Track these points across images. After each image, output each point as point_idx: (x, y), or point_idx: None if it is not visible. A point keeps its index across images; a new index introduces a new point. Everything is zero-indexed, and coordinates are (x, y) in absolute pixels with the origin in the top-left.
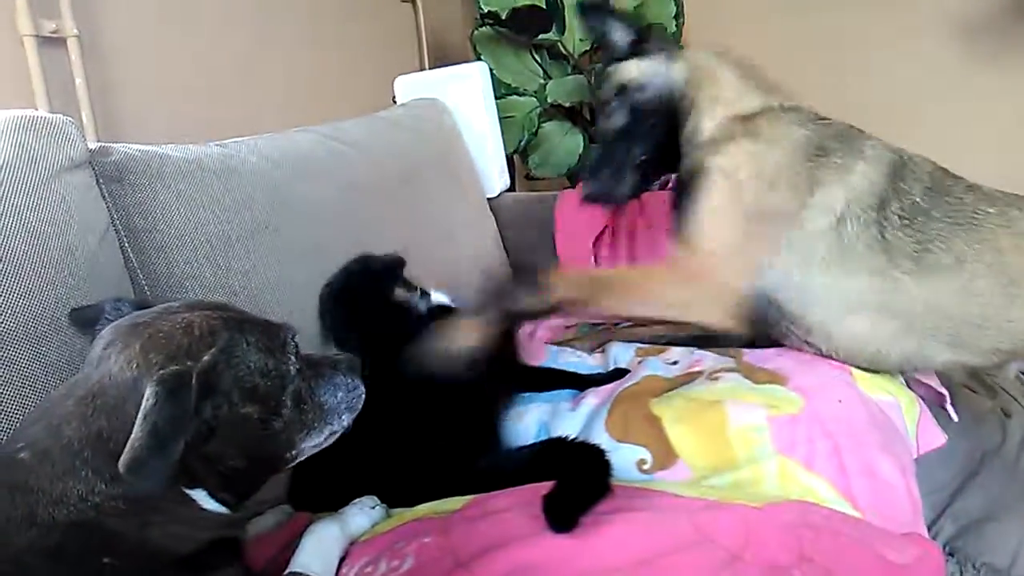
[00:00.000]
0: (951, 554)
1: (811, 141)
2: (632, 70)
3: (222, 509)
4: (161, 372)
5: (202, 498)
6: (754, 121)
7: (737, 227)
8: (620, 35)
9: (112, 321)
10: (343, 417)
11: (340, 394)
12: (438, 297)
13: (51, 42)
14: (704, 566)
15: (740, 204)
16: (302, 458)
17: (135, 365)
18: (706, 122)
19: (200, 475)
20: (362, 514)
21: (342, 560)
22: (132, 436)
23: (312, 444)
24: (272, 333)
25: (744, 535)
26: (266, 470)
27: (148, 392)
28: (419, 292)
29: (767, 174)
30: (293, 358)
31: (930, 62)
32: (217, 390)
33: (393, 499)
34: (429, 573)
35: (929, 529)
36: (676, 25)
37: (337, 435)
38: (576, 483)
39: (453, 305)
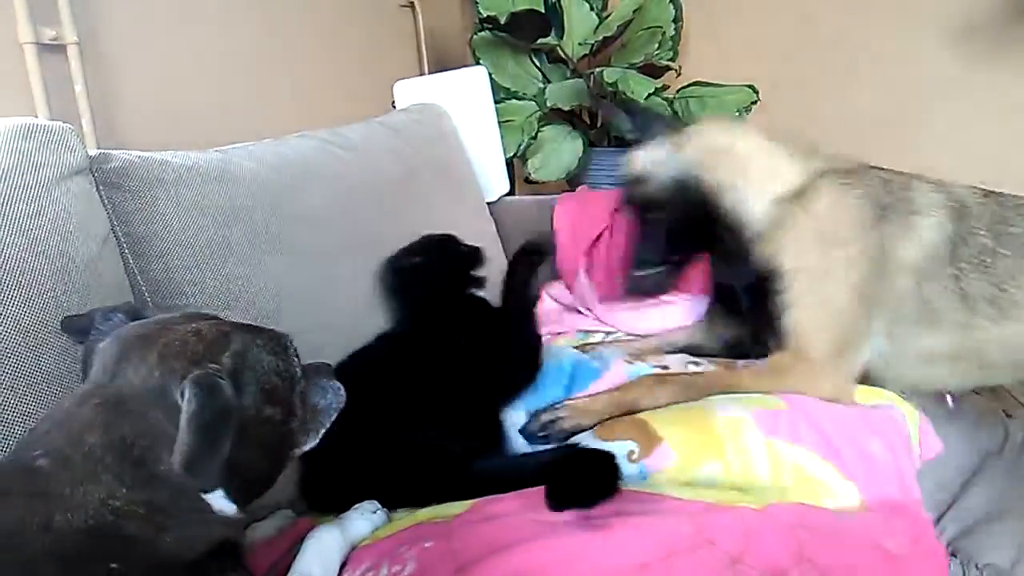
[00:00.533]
0: (953, 554)
1: (869, 203)
2: (637, 161)
3: (231, 510)
4: (194, 374)
5: (216, 499)
6: (805, 200)
7: (835, 325)
8: (625, 125)
9: (103, 331)
10: (328, 419)
11: (329, 396)
12: None
13: (51, 49)
14: (704, 568)
15: (831, 303)
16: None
17: (157, 374)
18: (751, 209)
19: (223, 476)
20: (363, 519)
21: (343, 565)
22: (180, 438)
23: (309, 445)
24: (276, 337)
25: (744, 537)
26: (278, 469)
27: (187, 395)
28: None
29: (843, 259)
30: (296, 360)
31: (929, 63)
32: (242, 390)
33: (396, 503)
34: None
35: None
36: (675, 29)
37: (320, 435)
38: (586, 479)
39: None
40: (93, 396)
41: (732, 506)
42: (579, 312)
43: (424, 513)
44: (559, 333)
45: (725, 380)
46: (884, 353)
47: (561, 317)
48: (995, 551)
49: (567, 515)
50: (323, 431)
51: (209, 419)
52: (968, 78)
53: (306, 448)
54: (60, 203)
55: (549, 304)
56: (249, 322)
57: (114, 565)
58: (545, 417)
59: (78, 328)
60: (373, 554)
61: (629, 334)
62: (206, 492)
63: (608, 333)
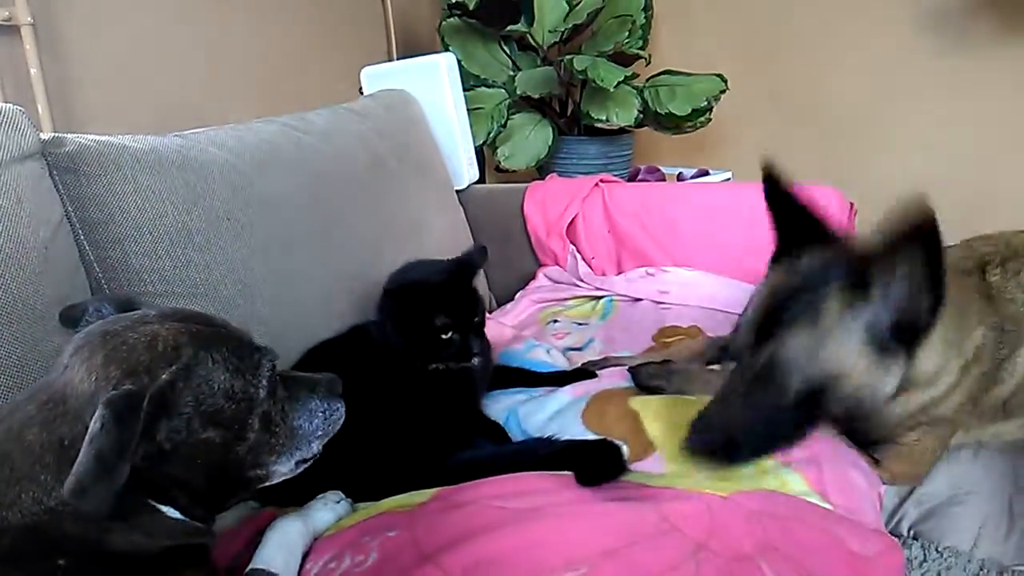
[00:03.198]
0: (915, 538)
1: (985, 364)
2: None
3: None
4: (111, 393)
5: (171, 511)
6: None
7: (933, 454)
8: None
9: (90, 323)
10: (313, 444)
11: (316, 420)
12: None
13: (4, 30)
14: (670, 556)
15: (940, 440)
16: (274, 481)
17: (94, 378)
18: (897, 411)
19: (168, 492)
20: (326, 509)
21: (306, 556)
22: (77, 460)
23: (283, 470)
24: (243, 352)
25: (709, 524)
26: (233, 490)
27: (96, 414)
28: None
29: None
30: (265, 381)
31: (898, 52)
32: (174, 410)
33: (368, 494)
34: (394, 567)
35: (894, 514)
36: (645, 17)
37: (307, 463)
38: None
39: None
40: (42, 391)
41: (697, 492)
42: (575, 285)
43: (388, 502)
44: (560, 299)
45: None
46: (959, 439)
47: (557, 287)
48: (955, 534)
49: (532, 502)
50: (305, 458)
51: (107, 448)
52: (937, 67)
53: (283, 472)
54: (10, 187)
55: (543, 281)
56: (227, 327)
57: (61, 561)
58: (655, 383)
59: (69, 318)
60: (336, 544)
61: (622, 296)
62: (159, 503)
63: (600, 298)
